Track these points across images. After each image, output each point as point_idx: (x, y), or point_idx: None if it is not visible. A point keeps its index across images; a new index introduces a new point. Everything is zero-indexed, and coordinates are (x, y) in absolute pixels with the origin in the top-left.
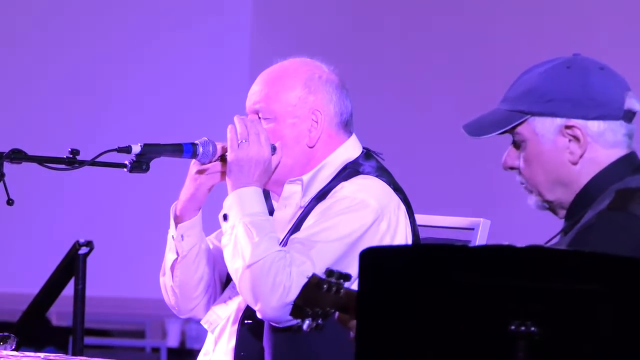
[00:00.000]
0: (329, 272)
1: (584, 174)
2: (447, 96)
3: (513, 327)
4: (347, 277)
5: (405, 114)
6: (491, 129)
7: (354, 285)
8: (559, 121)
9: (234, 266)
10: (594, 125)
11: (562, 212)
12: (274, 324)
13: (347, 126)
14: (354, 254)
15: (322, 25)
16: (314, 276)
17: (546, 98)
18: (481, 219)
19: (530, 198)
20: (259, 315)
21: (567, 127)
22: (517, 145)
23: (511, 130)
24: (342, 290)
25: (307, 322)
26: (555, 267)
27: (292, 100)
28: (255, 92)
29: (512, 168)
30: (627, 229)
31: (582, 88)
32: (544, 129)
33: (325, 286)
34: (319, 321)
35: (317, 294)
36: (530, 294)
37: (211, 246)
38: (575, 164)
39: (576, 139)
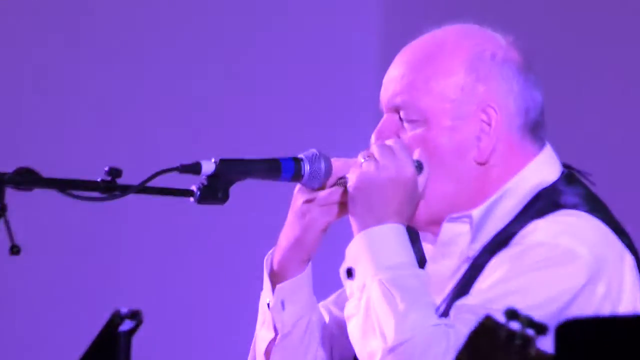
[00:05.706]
0: (511, 313)
1: None
2: None
3: None
4: (541, 328)
5: (619, 118)
6: None
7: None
8: None
9: (368, 349)
10: None
11: None
12: None
13: (535, 131)
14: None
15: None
16: (487, 318)
17: None
18: None
19: None
20: None
21: None
22: None
23: None
24: (532, 349)
25: None
26: None
27: (450, 92)
28: (393, 79)
29: None
30: None
31: None
32: None
33: (503, 334)
34: None
35: (493, 345)
36: None
37: (327, 318)
38: None
39: None
